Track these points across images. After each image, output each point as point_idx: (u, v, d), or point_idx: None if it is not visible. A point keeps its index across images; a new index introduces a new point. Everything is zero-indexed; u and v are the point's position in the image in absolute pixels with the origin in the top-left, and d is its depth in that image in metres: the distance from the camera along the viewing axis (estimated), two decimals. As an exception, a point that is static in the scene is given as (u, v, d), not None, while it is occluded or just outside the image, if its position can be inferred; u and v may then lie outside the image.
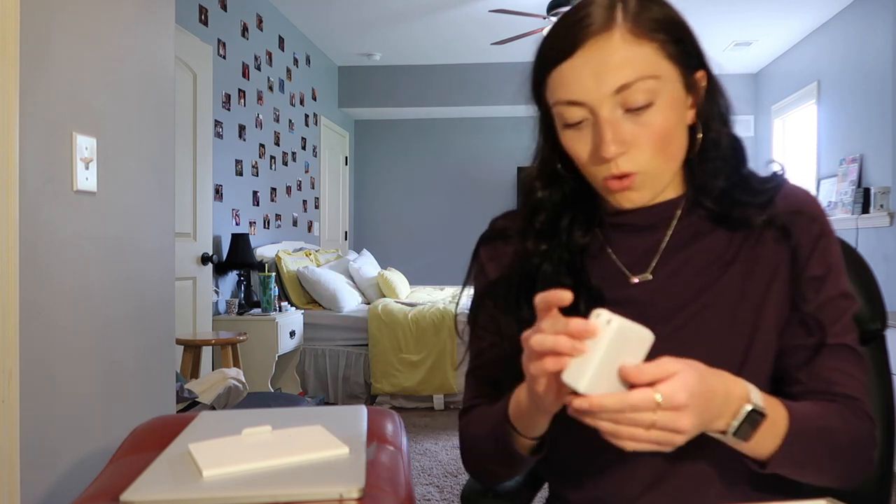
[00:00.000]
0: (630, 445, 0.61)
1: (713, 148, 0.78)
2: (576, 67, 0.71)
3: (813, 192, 4.84)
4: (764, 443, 0.68)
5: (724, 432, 0.66)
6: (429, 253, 6.74)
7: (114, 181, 1.47)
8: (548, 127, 0.80)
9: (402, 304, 4.36)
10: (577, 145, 0.75)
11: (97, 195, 1.42)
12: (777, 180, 0.81)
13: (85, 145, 1.37)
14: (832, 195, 4.52)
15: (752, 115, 6.22)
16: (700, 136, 0.78)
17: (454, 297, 4.84)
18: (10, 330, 1.18)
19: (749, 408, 0.64)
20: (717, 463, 0.78)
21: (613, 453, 0.80)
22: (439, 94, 6.32)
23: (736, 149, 0.81)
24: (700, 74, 0.77)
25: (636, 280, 0.81)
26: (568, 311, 0.76)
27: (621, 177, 0.74)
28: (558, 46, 0.73)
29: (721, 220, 0.80)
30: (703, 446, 0.76)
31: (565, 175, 0.81)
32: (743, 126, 6.18)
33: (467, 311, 0.92)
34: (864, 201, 4.13)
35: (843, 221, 4.25)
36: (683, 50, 0.74)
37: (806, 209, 0.79)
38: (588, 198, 0.82)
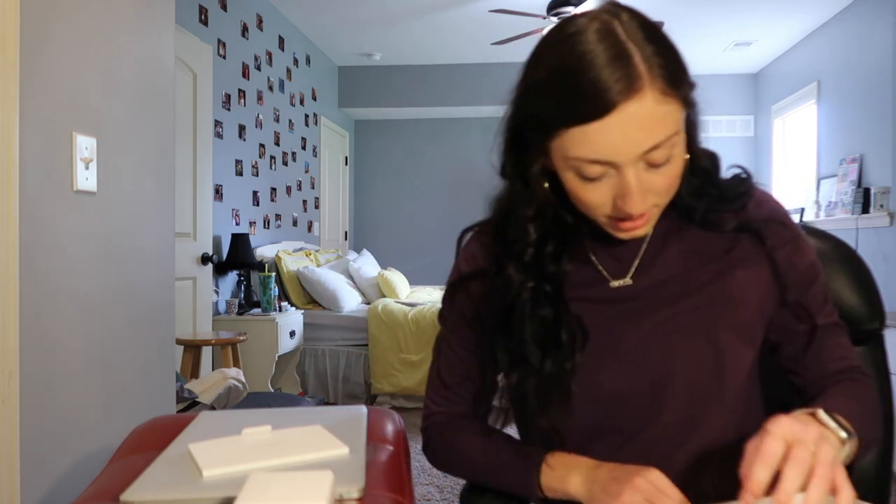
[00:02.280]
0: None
1: (695, 170, 0.81)
2: (605, 129, 0.68)
3: (813, 192, 4.84)
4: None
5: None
6: (429, 253, 6.74)
7: (114, 181, 1.47)
8: (541, 171, 0.78)
9: (402, 304, 4.36)
10: (593, 196, 0.74)
11: (97, 195, 1.42)
12: (746, 186, 0.85)
13: (85, 145, 1.37)
14: (832, 195, 4.52)
15: (752, 115, 6.22)
16: (687, 156, 0.78)
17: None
18: (11, 330, 1.18)
19: (843, 434, 0.68)
20: (715, 454, 0.81)
21: (613, 447, 0.83)
22: (439, 94, 6.32)
23: (714, 164, 0.84)
24: None
25: (617, 284, 0.84)
26: (550, 341, 0.81)
27: (635, 218, 0.75)
28: (578, 106, 0.68)
29: (694, 221, 0.84)
30: (701, 443, 0.81)
31: (562, 213, 0.82)
32: (743, 126, 6.18)
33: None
34: (864, 201, 4.13)
35: (843, 221, 4.25)
36: (688, 89, 0.73)
37: (776, 217, 0.84)
38: (571, 224, 0.83)
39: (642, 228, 0.77)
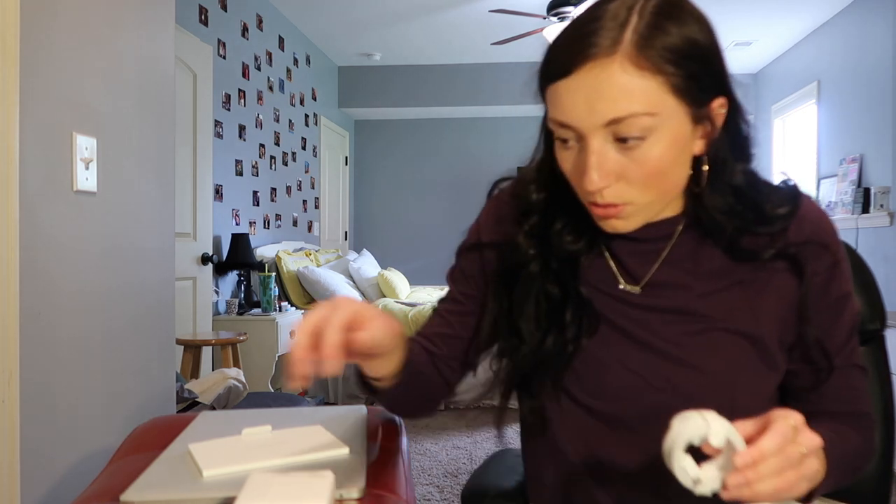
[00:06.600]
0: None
1: (723, 185, 0.73)
2: (570, 90, 0.66)
3: (813, 192, 4.84)
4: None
5: None
6: (429, 253, 6.74)
7: (114, 181, 1.47)
8: (548, 131, 0.75)
9: (403, 304, 4.35)
10: (566, 164, 0.72)
11: (97, 195, 1.42)
12: (793, 203, 0.76)
13: (85, 145, 1.37)
14: (832, 195, 4.52)
15: (752, 115, 6.17)
16: (706, 168, 0.72)
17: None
18: (11, 330, 1.18)
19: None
20: None
21: (591, 476, 0.79)
22: (439, 94, 6.32)
23: (751, 182, 0.75)
24: (718, 103, 0.70)
25: (627, 289, 0.79)
26: (555, 320, 0.78)
27: (605, 205, 0.70)
28: (558, 61, 0.67)
29: (725, 249, 0.76)
30: None
31: (562, 180, 0.76)
32: (743, 126, 6.17)
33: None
34: (864, 201, 4.13)
35: (843, 221, 4.25)
36: (697, 82, 0.66)
37: (819, 238, 0.76)
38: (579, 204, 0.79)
39: (620, 222, 0.72)
